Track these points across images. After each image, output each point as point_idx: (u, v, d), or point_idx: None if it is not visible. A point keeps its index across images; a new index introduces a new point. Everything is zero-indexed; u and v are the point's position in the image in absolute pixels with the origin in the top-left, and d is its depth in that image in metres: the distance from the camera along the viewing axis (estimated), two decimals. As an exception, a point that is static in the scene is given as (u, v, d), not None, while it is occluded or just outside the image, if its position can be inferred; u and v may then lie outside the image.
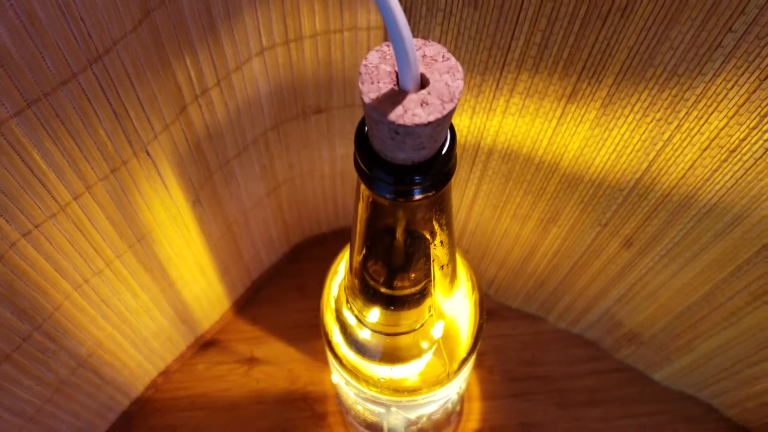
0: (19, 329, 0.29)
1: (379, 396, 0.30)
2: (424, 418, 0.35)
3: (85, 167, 0.27)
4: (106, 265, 0.32)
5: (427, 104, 0.17)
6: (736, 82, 0.25)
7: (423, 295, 0.26)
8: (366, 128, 0.19)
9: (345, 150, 0.41)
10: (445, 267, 0.25)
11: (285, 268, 0.50)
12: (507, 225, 0.40)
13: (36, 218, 0.27)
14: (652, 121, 0.28)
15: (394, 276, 0.25)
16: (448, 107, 0.17)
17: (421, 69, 0.18)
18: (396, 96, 0.17)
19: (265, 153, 0.38)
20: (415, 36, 0.26)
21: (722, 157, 0.28)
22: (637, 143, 0.30)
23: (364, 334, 0.28)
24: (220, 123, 0.33)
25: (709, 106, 0.26)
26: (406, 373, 0.29)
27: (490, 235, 0.42)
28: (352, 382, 0.30)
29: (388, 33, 0.16)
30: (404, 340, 0.28)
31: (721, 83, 0.25)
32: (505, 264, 0.44)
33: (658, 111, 0.28)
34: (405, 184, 0.19)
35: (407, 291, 0.26)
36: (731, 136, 0.27)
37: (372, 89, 0.17)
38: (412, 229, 0.23)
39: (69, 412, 0.37)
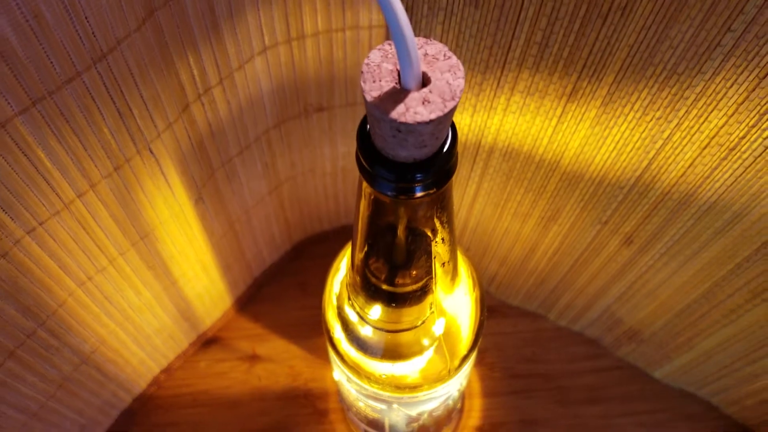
0: (23, 326, 0.30)
1: (381, 393, 0.30)
2: (426, 415, 0.35)
3: (89, 165, 0.27)
4: (110, 262, 0.32)
5: (429, 102, 0.17)
6: (736, 80, 0.25)
7: (424, 292, 0.26)
8: (368, 126, 0.19)
9: (346, 148, 0.41)
10: (446, 264, 0.25)
11: (287, 265, 0.50)
12: (508, 223, 0.40)
13: (40, 215, 0.27)
14: (652, 120, 0.28)
15: (395, 273, 0.25)
16: (450, 105, 0.17)
17: (423, 67, 0.18)
18: (398, 94, 0.18)
19: (267, 151, 0.38)
20: (416, 35, 0.26)
21: (722, 155, 0.28)
22: (637, 141, 0.30)
23: (365, 331, 0.29)
24: (222, 121, 0.33)
25: (709, 104, 0.26)
26: (408, 369, 0.29)
27: (491, 233, 0.42)
28: (354, 378, 0.30)
29: (390, 31, 0.16)
30: (406, 337, 0.28)
31: (720, 82, 0.25)
32: (505, 262, 0.44)
33: (658, 109, 0.28)
34: (406, 181, 0.19)
35: (409, 288, 0.26)
36: (731, 134, 0.27)
37: (374, 87, 0.18)
38: (413, 226, 0.23)
39: (72, 409, 0.37)
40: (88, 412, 0.39)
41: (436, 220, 0.23)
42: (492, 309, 0.48)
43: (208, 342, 0.47)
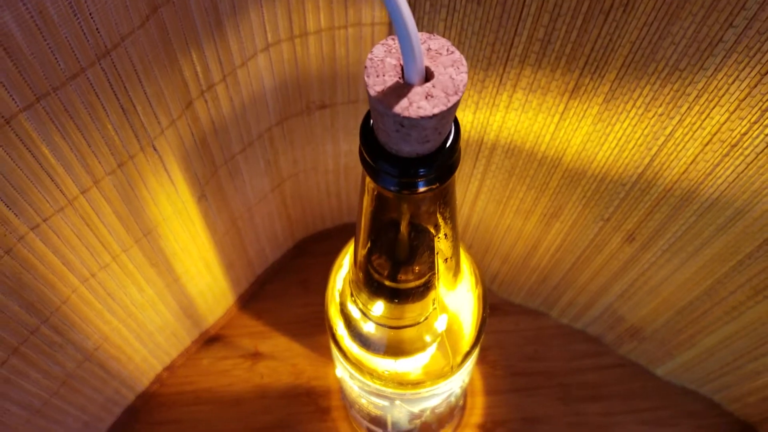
0: (26, 322, 0.30)
1: (383, 389, 0.30)
2: (428, 412, 0.35)
3: (92, 161, 0.27)
4: (113, 259, 0.32)
5: (432, 97, 0.17)
6: (737, 77, 0.25)
7: (427, 288, 0.26)
8: (371, 121, 0.20)
9: (349, 146, 0.42)
10: (448, 260, 0.25)
11: (289, 263, 0.50)
12: (510, 220, 0.40)
13: (44, 212, 0.27)
14: (654, 116, 0.28)
15: (398, 269, 0.25)
16: (453, 100, 0.17)
17: (426, 62, 0.18)
18: (401, 89, 0.18)
19: (270, 148, 0.38)
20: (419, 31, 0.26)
21: (724, 152, 0.28)
22: (639, 138, 0.30)
23: (368, 328, 0.29)
24: (225, 118, 0.33)
25: (711, 100, 0.26)
26: (410, 366, 0.29)
27: (494, 230, 0.42)
28: (357, 375, 0.31)
29: (394, 26, 0.16)
30: (408, 333, 0.28)
31: (722, 78, 0.25)
32: (508, 259, 0.44)
33: (660, 106, 0.28)
34: (410, 176, 0.19)
35: (411, 284, 0.26)
36: (733, 130, 0.27)
37: (377, 82, 0.18)
38: (416, 222, 0.23)
39: (75, 406, 0.37)
40: (91, 409, 0.39)
41: (438, 215, 0.23)
42: (494, 307, 0.49)
43: (210, 340, 0.47)
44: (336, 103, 0.38)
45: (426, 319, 0.28)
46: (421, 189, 0.20)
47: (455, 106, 0.18)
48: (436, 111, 0.17)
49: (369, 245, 0.25)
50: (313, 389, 0.45)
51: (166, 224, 0.34)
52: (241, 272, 0.45)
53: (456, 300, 0.29)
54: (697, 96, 0.27)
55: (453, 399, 0.36)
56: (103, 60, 0.24)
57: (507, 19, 0.28)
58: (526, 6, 0.27)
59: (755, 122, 0.26)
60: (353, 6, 0.32)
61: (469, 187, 0.39)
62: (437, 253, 0.24)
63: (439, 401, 0.33)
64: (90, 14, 0.22)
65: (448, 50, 0.18)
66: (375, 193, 0.22)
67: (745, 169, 0.28)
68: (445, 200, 0.22)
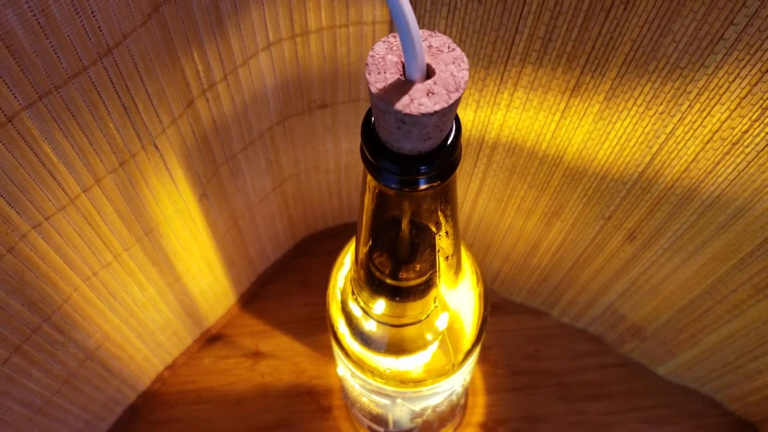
0: (28, 321, 0.30)
1: (385, 387, 0.30)
2: (429, 410, 0.35)
3: (94, 160, 0.27)
4: (114, 258, 0.32)
5: (433, 94, 0.17)
6: (738, 74, 0.25)
7: (428, 286, 0.26)
8: (372, 119, 0.20)
9: (350, 145, 0.42)
10: (449, 258, 0.25)
11: (290, 262, 0.51)
12: (511, 219, 0.40)
13: (46, 210, 0.27)
14: (655, 114, 0.28)
15: (399, 267, 0.26)
16: (454, 97, 0.17)
17: (427, 59, 0.18)
18: (402, 86, 0.18)
19: (271, 147, 0.38)
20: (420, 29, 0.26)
21: (725, 150, 0.28)
22: (640, 136, 0.30)
23: (369, 326, 0.29)
24: (226, 117, 0.33)
25: (712, 98, 0.26)
26: (412, 364, 0.29)
27: (495, 229, 0.42)
28: (358, 373, 0.31)
29: (395, 23, 0.16)
30: (409, 332, 0.28)
31: (723, 76, 0.25)
32: (509, 258, 0.44)
33: (661, 104, 0.28)
34: (411, 174, 0.20)
35: (413, 282, 0.26)
36: (733, 128, 0.27)
37: (379, 79, 0.18)
38: (417, 220, 0.23)
39: (77, 405, 0.37)
40: (92, 408, 0.39)
41: (440, 213, 0.23)
42: (495, 306, 0.49)
43: (211, 339, 0.47)
44: (337, 102, 0.38)
45: (427, 317, 0.28)
46: (423, 187, 0.20)
47: (456, 103, 0.18)
48: (437, 108, 0.17)
49: (370, 243, 0.25)
50: (314, 388, 0.45)
51: (167, 223, 0.34)
52: (242, 271, 0.45)
53: (457, 298, 0.29)
54: (698, 94, 0.27)
55: (454, 397, 0.36)
56: (105, 58, 0.24)
57: (508, 17, 0.28)
58: (527, 4, 0.27)
59: (756, 120, 0.26)
60: (354, 4, 0.32)
61: (470, 185, 0.39)
62: (438, 251, 0.24)
63: (440, 400, 0.33)
64: (92, 12, 0.22)
65: (449, 47, 0.18)
66: (376, 191, 0.22)
67: (746, 167, 0.28)
68: (446, 198, 0.22)
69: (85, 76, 0.24)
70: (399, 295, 0.26)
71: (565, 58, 0.28)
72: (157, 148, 0.30)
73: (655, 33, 0.25)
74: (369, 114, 0.20)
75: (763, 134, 0.26)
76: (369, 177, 0.21)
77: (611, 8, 0.25)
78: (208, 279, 0.41)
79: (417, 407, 0.34)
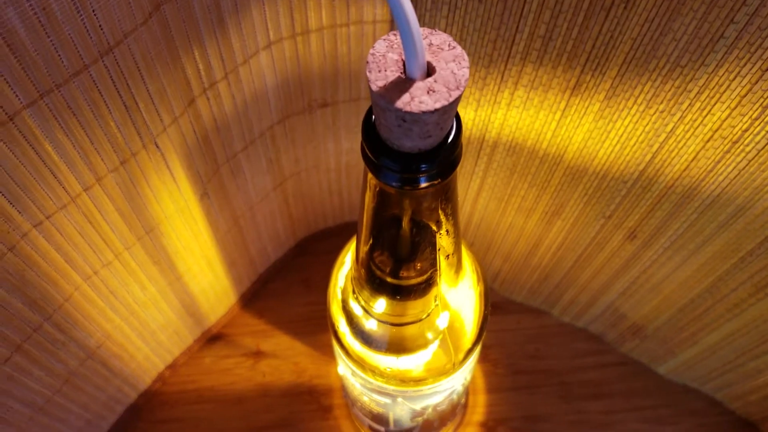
0: (29, 320, 0.30)
1: (385, 386, 0.30)
2: (430, 409, 0.35)
3: (95, 159, 0.27)
4: (115, 257, 0.33)
5: (434, 92, 0.17)
6: (739, 73, 0.25)
7: (429, 284, 0.26)
8: (373, 117, 0.20)
9: (350, 144, 0.42)
10: (450, 257, 0.26)
11: (291, 262, 0.51)
12: (512, 218, 0.40)
13: (47, 209, 0.27)
14: (655, 113, 0.28)
15: (400, 265, 0.26)
16: (455, 95, 0.17)
17: (428, 57, 0.18)
18: (403, 84, 0.18)
19: (272, 147, 0.38)
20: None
21: (725, 149, 0.28)
22: (640, 135, 0.30)
23: (370, 325, 0.29)
24: (227, 116, 0.33)
25: (712, 97, 0.26)
26: (412, 363, 0.29)
27: (495, 228, 0.42)
28: (359, 372, 0.31)
29: (396, 21, 0.16)
30: (410, 331, 0.29)
31: (723, 74, 0.25)
32: (509, 257, 0.44)
33: (662, 102, 0.28)
34: (411, 172, 0.20)
35: (413, 281, 0.26)
36: (734, 127, 0.27)
37: (379, 77, 0.18)
38: (418, 218, 0.23)
39: (78, 404, 0.37)
40: (93, 407, 0.39)
41: (440, 211, 0.23)
42: (495, 305, 0.49)
43: (212, 338, 0.47)
44: (338, 101, 0.38)
45: (428, 316, 0.28)
46: (423, 185, 0.20)
47: (457, 100, 0.18)
48: (437, 106, 0.17)
49: (371, 242, 0.25)
50: (315, 388, 0.45)
51: (168, 222, 0.34)
52: (243, 271, 0.46)
53: (458, 297, 0.29)
54: (698, 92, 0.27)
55: (455, 396, 0.36)
56: (106, 57, 0.24)
57: (508, 16, 0.28)
58: (528, 3, 0.27)
59: (756, 119, 0.26)
60: (355, 4, 0.32)
61: (470, 185, 0.39)
62: (439, 250, 0.24)
63: (441, 398, 0.34)
64: (93, 11, 0.22)
65: (449, 45, 0.18)
66: (377, 189, 0.22)
67: (747, 165, 0.28)
68: (446, 196, 0.22)
69: (86, 75, 0.24)
70: (400, 293, 0.26)
71: (565, 57, 0.28)
72: (158, 146, 0.30)
73: (656, 32, 0.25)
74: (369, 112, 0.20)
75: (763, 133, 0.26)
76: (370, 175, 0.21)
77: (611, 7, 0.25)
78: (209, 278, 0.41)
79: (418, 406, 0.34)
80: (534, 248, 0.42)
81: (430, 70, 0.18)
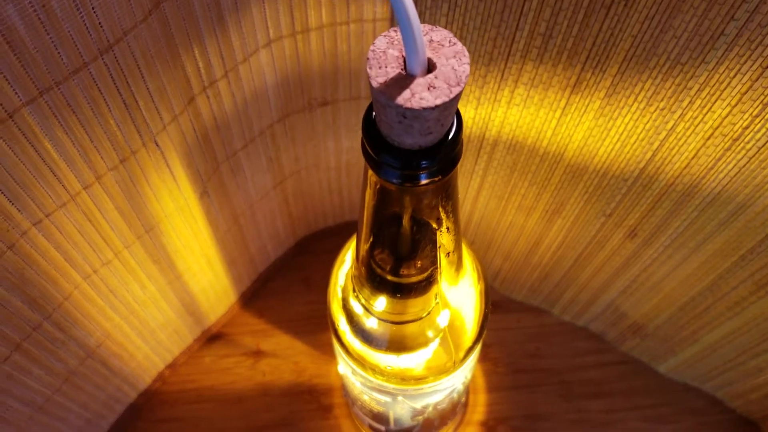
0: (29, 318, 0.30)
1: (386, 384, 0.30)
2: (430, 408, 0.35)
3: (95, 157, 0.27)
4: (115, 255, 0.32)
5: (435, 88, 0.17)
6: (739, 70, 0.25)
7: (429, 282, 0.26)
8: (374, 114, 0.20)
9: (350, 143, 0.42)
10: (450, 254, 0.25)
11: (291, 261, 0.50)
12: (512, 216, 0.40)
13: (47, 207, 0.27)
14: (655, 111, 0.28)
15: (400, 263, 0.25)
16: (455, 91, 0.17)
17: (428, 54, 0.18)
18: (403, 80, 0.18)
19: (272, 145, 0.38)
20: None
21: (725, 146, 0.28)
22: (641, 133, 0.30)
23: (370, 323, 0.29)
24: (227, 114, 0.33)
25: (713, 94, 0.26)
26: (413, 361, 0.29)
27: (495, 227, 0.42)
28: (359, 371, 0.31)
29: (396, 16, 0.16)
30: (411, 329, 0.28)
31: (724, 71, 0.25)
32: (510, 256, 0.44)
33: (662, 100, 0.28)
34: (412, 168, 0.19)
35: (414, 278, 0.26)
36: (734, 124, 0.27)
37: (380, 74, 0.18)
38: (418, 215, 0.23)
39: (78, 403, 0.37)
40: (93, 407, 0.39)
41: (441, 209, 0.23)
42: (496, 304, 0.49)
43: (212, 338, 0.47)
44: (337, 99, 0.38)
45: (428, 314, 0.28)
46: (424, 181, 0.20)
47: (458, 97, 0.18)
48: (438, 102, 0.17)
49: (371, 240, 0.25)
50: (315, 387, 0.45)
51: (168, 221, 0.34)
52: (243, 270, 0.45)
53: (458, 295, 0.29)
54: (698, 90, 0.27)
55: (455, 395, 0.36)
56: (105, 55, 0.24)
57: (509, 13, 0.28)
58: (528, 0, 0.27)
59: (757, 116, 0.26)
60: (355, 2, 0.32)
61: (470, 183, 0.39)
62: (439, 247, 0.24)
63: (441, 397, 0.33)
64: (93, 8, 0.22)
65: (450, 41, 0.18)
66: (377, 186, 0.22)
67: (747, 163, 0.28)
68: (447, 193, 0.22)
69: (85, 72, 0.24)
70: (400, 291, 0.26)
71: (565, 55, 0.28)
72: (157, 145, 0.30)
73: (656, 29, 0.25)
74: (370, 109, 0.20)
75: (764, 130, 0.26)
76: (370, 172, 0.21)
77: (612, 5, 0.25)
78: (208, 277, 0.41)
79: (418, 405, 0.34)
80: (534, 247, 0.42)
81: (430, 67, 0.18)
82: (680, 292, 0.37)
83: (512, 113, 0.33)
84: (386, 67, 0.18)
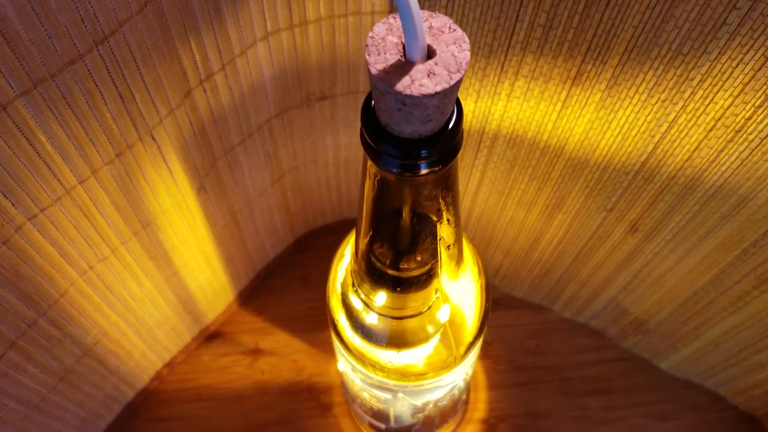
0: (24, 315, 0.29)
1: (386, 381, 0.30)
2: (431, 405, 0.34)
3: (90, 151, 0.27)
4: (111, 251, 0.32)
5: (434, 75, 0.17)
6: (742, 60, 0.25)
7: (429, 276, 0.26)
8: (373, 102, 0.19)
9: (349, 138, 0.41)
10: (451, 247, 0.25)
11: (289, 258, 0.50)
12: (512, 212, 0.40)
13: (42, 202, 0.27)
14: (657, 102, 0.28)
15: (400, 257, 0.25)
16: (455, 78, 0.17)
17: (428, 40, 0.18)
18: (403, 67, 0.17)
19: (270, 140, 0.38)
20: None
21: (728, 137, 0.28)
22: (642, 125, 0.29)
23: (370, 319, 0.28)
24: (224, 108, 0.33)
25: (715, 85, 0.26)
26: (413, 357, 0.29)
27: (496, 223, 0.42)
28: (359, 367, 0.30)
29: (396, 2, 0.16)
30: (411, 324, 0.28)
31: (726, 62, 0.25)
32: (510, 252, 0.44)
33: (663, 92, 0.28)
34: (412, 158, 0.19)
35: (414, 272, 0.26)
36: (737, 115, 0.27)
37: (379, 60, 0.17)
38: (418, 207, 0.23)
39: (74, 402, 0.37)
40: (90, 405, 0.39)
41: (441, 200, 0.22)
42: (496, 301, 0.48)
43: (210, 336, 0.47)
44: (336, 94, 0.37)
45: (429, 309, 0.28)
46: (424, 171, 0.20)
47: (458, 84, 0.17)
48: (438, 89, 0.17)
49: (371, 233, 0.24)
50: (314, 385, 0.45)
51: (164, 216, 0.34)
52: (240, 267, 0.45)
53: (459, 290, 0.29)
54: (700, 80, 0.26)
55: (456, 392, 0.35)
56: (100, 46, 0.24)
57: (508, 5, 0.27)
58: (528, -9, 0.27)
59: (760, 106, 0.26)
60: (353, -6, 0.32)
61: (470, 178, 0.39)
62: (439, 240, 0.24)
63: (442, 394, 0.33)
64: (87, -1, 0.22)
65: (450, 28, 0.18)
66: (377, 177, 0.21)
67: (750, 155, 0.28)
68: (447, 184, 0.22)
69: (80, 64, 0.23)
70: (400, 286, 0.26)
71: (566, 46, 0.28)
72: (154, 139, 0.29)
73: (657, 19, 0.25)
74: (369, 98, 0.20)
75: (766, 121, 0.26)
76: (369, 163, 0.21)
77: (613, -6, 0.25)
78: (206, 274, 0.41)
79: (418, 402, 0.34)
80: (535, 242, 0.41)
81: (430, 53, 0.18)
82: (682, 287, 0.37)
83: (512, 106, 0.32)
84: (385, 53, 0.18)
